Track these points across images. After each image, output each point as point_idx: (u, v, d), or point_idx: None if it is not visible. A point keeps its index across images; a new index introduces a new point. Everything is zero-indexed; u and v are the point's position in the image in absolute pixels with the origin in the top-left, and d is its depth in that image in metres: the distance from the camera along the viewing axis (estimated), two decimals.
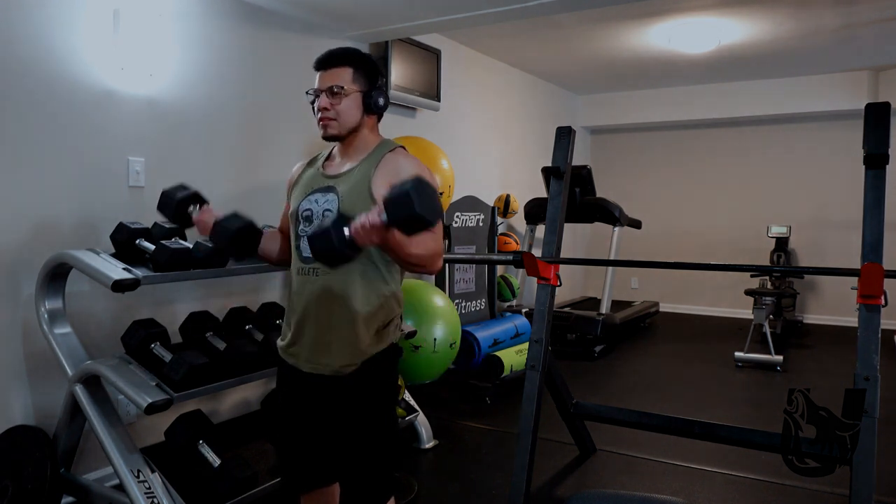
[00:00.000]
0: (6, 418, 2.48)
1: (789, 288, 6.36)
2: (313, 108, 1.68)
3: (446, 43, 4.97)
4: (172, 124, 3.02)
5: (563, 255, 2.93)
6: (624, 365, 5.19)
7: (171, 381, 2.22)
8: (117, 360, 2.33)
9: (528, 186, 6.25)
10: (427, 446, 3.35)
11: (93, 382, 2.31)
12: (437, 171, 3.83)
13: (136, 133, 2.87)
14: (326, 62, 1.66)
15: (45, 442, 2.38)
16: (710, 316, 7.34)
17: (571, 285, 7.37)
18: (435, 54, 4.66)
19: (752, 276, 6.23)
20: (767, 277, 6.21)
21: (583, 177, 5.62)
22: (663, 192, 7.65)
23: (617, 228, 5.87)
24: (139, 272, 2.24)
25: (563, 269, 2.98)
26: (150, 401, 2.10)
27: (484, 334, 4.42)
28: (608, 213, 5.79)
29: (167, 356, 2.35)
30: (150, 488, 2.13)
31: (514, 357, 4.34)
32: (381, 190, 1.59)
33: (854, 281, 2.18)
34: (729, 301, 7.23)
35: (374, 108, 1.68)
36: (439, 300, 3.73)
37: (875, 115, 2.30)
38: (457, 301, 4.70)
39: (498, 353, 4.31)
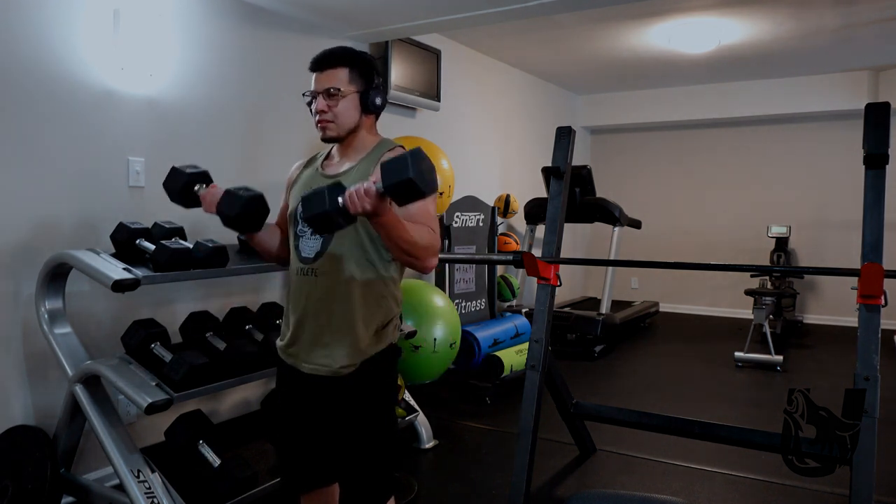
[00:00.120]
0: (6, 418, 2.48)
1: (789, 288, 6.37)
2: (310, 109, 1.67)
3: (446, 43, 4.97)
4: (172, 124, 3.02)
5: (563, 255, 2.93)
6: (624, 365, 5.19)
7: (171, 381, 2.22)
8: (117, 360, 2.33)
9: (528, 186, 6.25)
10: (427, 446, 3.35)
11: (93, 382, 2.31)
12: (437, 171, 3.83)
13: (136, 133, 2.87)
14: (322, 63, 1.65)
15: (45, 442, 2.38)
16: (710, 316, 7.34)
17: (571, 285, 7.37)
18: (435, 54, 4.66)
19: (752, 276, 6.23)
20: (767, 277, 6.21)
21: (583, 177, 5.62)
22: (663, 192, 7.65)
23: (617, 228, 5.87)
24: (139, 272, 2.24)
25: (563, 269, 2.98)
26: (150, 401, 2.10)
27: (484, 334, 4.43)
28: (608, 213, 5.79)
29: (167, 356, 2.35)
30: (150, 488, 2.13)
31: (514, 357, 4.34)
32: None
33: (854, 281, 2.18)
34: (729, 301, 7.23)
35: (371, 107, 1.67)
36: (439, 300, 3.73)
37: (875, 115, 2.30)
38: (457, 301, 4.71)
39: (498, 353, 4.31)
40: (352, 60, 1.65)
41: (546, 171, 5.51)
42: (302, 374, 1.68)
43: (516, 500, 2.49)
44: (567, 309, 5.93)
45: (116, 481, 2.30)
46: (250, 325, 2.82)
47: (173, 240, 2.44)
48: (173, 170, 1.72)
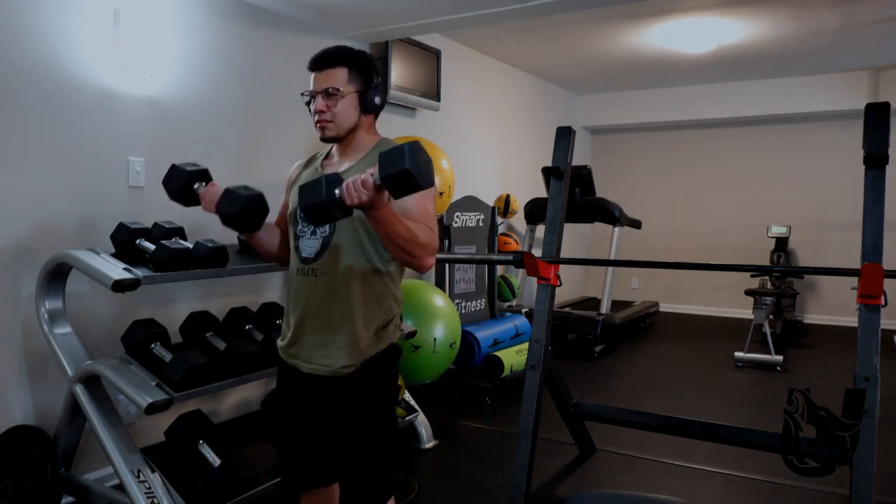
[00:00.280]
0: (6, 418, 2.48)
1: (789, 288, 6.37)
2: (309, 109, 1.67)
3: (446, 43, 4.97)
4: (172, 124, 3.02)
5: (563, 255, 2.93)
6: (624, 365, 5.19)
7: (171, 381, 2.22)
8: (117, 360, 2.33)
9: (528, 186, 6.25)
10: (427, 446, 3.35)
11: (93, 382, 2.31)
12: (437, 171, 3.82)
13: (136, 133, 2.87)
14: (321, 63, 1.64)
15: (45, 442, 2.38)
16: (710, 316, 7.34)
17: (571, 285, 7.37)
18: (435, 54, 4.66)
19: (752, 276, 6.23)
20: (767, 277, 6.21)
21: (583, 177, 5.62)
22: (663, 192, 7.65)
23: (617, 228, 5.87)
24: (139, 272, 2.24)
25: (563, 269, 2.98)
26: (150, 401, 2.10)
27: (484, 334, 4.43)
28: (608, 213, 5.79)
29: (167, 356, 2.35)
30: (150, 488, 2.13)
31: (514, 357, 4.34)
32: None
33: (854, 281, 2.18)
34: (729, 301, 7.23)
35: (370, 107, 1.67)
36: (439, 300, 3.73)
37: (875, 115, 2.30)
38: (457, 301, 4.71)
39: (498, 353, 4.31)
40: (351, 60, 1.64)
41: (546, 171, 5.51)
42: (302, 373, 1.68)
43: (516, 499, 2.49)
44: (567, 309, 5.93)
45: (116, 481, 2.30)
46: (250, 325, 2.82)
47: (173, 240, 2.44)
48: (173, 167, 1.72)
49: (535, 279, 2.77)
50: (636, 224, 6.36)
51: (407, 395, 3.36)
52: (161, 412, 2.14)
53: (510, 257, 2.82)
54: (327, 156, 1.77)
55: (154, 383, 2.20)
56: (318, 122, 1.64)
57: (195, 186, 1.69)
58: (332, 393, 1.65)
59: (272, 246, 1.81)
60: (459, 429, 3.67)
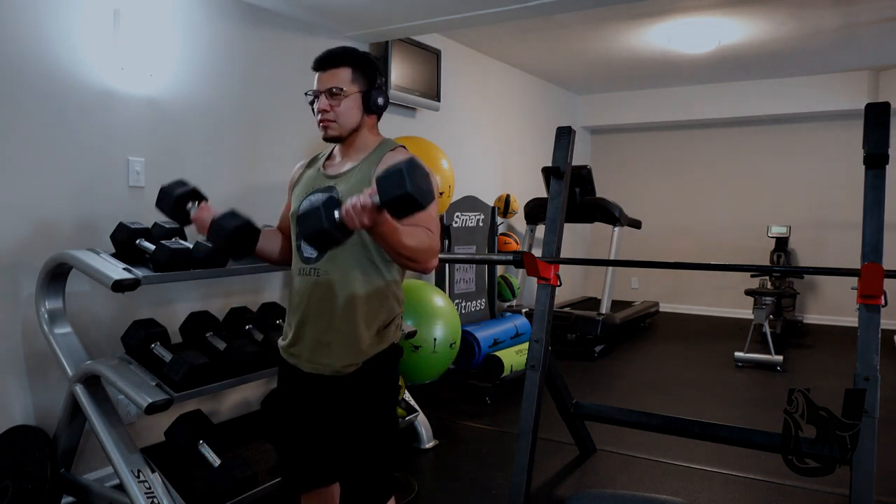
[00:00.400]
0: (6, 418, 2.48)
1: (789, 288, 6.37)
2: (313, 109, 1.68)
3: (446, 43, 4.98)
4: (172, 124, 3.02)
5: (563, 255, 2.93)
6: (624, 365, 5.19)
7: (171, 381, 2.22)
8: (117, 360, 2.33)
9: (528, 186, 6.25)
10: (427, 446, 3.35)
11: (93, 382, 2.31)
12: (437, 171, 3.83)
13: (136, 133, 2.87)
14: (325, 63, 1.65)
15: (45, 442, 2.38)
16: (710, 316, 7.34)
17: (571, 285, 7.37)
18: (435, 54, 4.66)
19: (752, 276, 6.23)
20: (767, 277, 6.21)
21: (583, 177, 5.62)
22: (663, 192, 7.65)
23: (617, 228, 5.87)
24: (139, 272, 2.24)
25: (563, 269, 2.98)
26: (150, 401, 2.10)
27: (484, 334, 4.43)
28: (608, 213, 5.79)
29: (167, 356, 2.35)
30: (150, 488, 2.13)
31: (514, 357, 4.34)
32: None
33: (854, 281, 2.18)
34: (729, 301, 7.23)
35: (373, 107, 1.67)
36: (439, 300, 3.73)
37: (875, 115, 2.30)
38: (457, 301, 4.71)
39: (498, 353, 4.31)
40: (355, 60, 1.65)
41: (546, 171, 5.51)
42: (303, 373, 1.68)
43: (516, 499, 2.49)
44: (567, 309, 5.93)
45: (116, 481, 2.30)
46: (250, 325, 2.82)
47: (173, 240, 2.44)
48: (161, 190, 1.71)
49: (535, 279, 2.77)
50: (636, 224, 6.36)
51: (407, 395, 3.36)
52: (161, 412, 2.14)
53: (510, 257, 2.82)
54: (329, 156, 1.77)
55: (154, 383, 2.20)
56: (321, 121, 1.65)
57: (187, 207, 1.69)
58: (332, 392, 1.65)
59: (273, 251, 1.82)
60: (459, 429, 3.67)
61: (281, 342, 1.76)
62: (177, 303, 3.03)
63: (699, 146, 7.47)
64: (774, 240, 6.65)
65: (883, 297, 2.13)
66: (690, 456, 3.20)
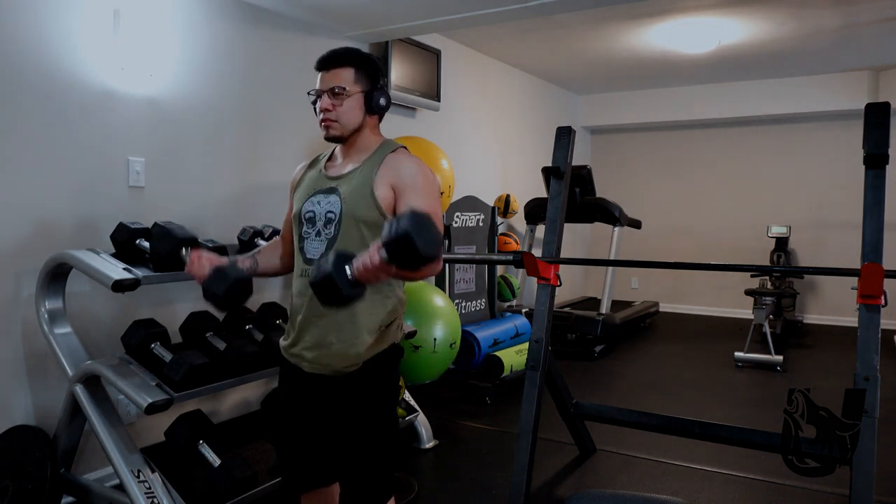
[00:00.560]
0: (6, 418, 2.48)
1: (789, 288, 6.37)
2: (315, 108, 1.68)
3: (446, 43, 4.98)
4: (172, 124, 3.02)
5: (563, 255, 2.93)
6: (624, 365, 5.19)
7: (171, 381, 2.22)
8: (117, 360, 2.33)
9: (528, 186, 6.25)
10: (427, 446, 3.35)
11: (93, 382, 2.31)
12: (437, 171, 3.83)
13: (136, 133, 2.87)
14: (328, 62, 1.65)
15: (45, 442, 2.38)
16: (710, 316, 7.34)
17: (571, 285, 7.37)
18: (435, 54, 4.66)
19: (752, 276, 6.23)
20: (767, 277, 6.21)
21: (583, 177, 5.62)
22: (663, 192, 7.65)
23: (617, 228, 5.87)
24: (139, 272, 2.24)
25: (563, 269, 2.98)
26: (150, 401, 2.10)
27: (484, 334, 4.43)
28: (608, 213, 5.79)
29: (167, 356, 2.35)
30: (150, 488, 2.13)
31: (514, 357, 4.34)
32: (382, 190, 1.59)
33: (854, 281, 2.18)
34: (729, 301, 7.23)
35: (375, 108, 1.67)
36: (439, 300, 3.73)
37: (875, 115, 2.30)
38: (457, 301, 4.71)
39: (498, 353, 4.31)
40: (358, 61, 1.66)
41: (546, 171, 5.51)
42: (304, 373, 1.68)
43: (516, 500, 2.49)
44: (567, 309, 5.93)
45: (116, 481, 2.30)
46: (250, 325, 2.82)
47: None
48: (158, 227, 1.70)
49: (535, 279, 2.77)
50: (636, 224, 6.36)
51: (407, 395, 3.36)
52: (161, 412, 2.14)
53: (510, 257, 2.82)
54: (330, 157, 1.76)
55: (154, 383, 2.20)
56: (323, 120, 1.65)
57: (182, 253, 1.69)
58: (333, 392, 1.65)
59: (274, 267, 1.84)
60: (459, 429, 3.67)
61: (282, 342, 1.76)
62: (177, 303, 3.03)
63: (699, 146, 7.47)
64: (774, 240, 6.65)
65: (883, 297, 2.13)
66: (690, 456, 3.20)
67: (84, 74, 2.66)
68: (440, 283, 4.59)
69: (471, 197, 4.90)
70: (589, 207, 5.78)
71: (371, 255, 1.31)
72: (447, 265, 4.64)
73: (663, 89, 7.04)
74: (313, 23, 3.74)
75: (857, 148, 2.51)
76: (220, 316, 2.79)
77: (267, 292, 3.47)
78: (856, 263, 2.23)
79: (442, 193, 4.02)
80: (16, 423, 2.49)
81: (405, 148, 1.71)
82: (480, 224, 4.97)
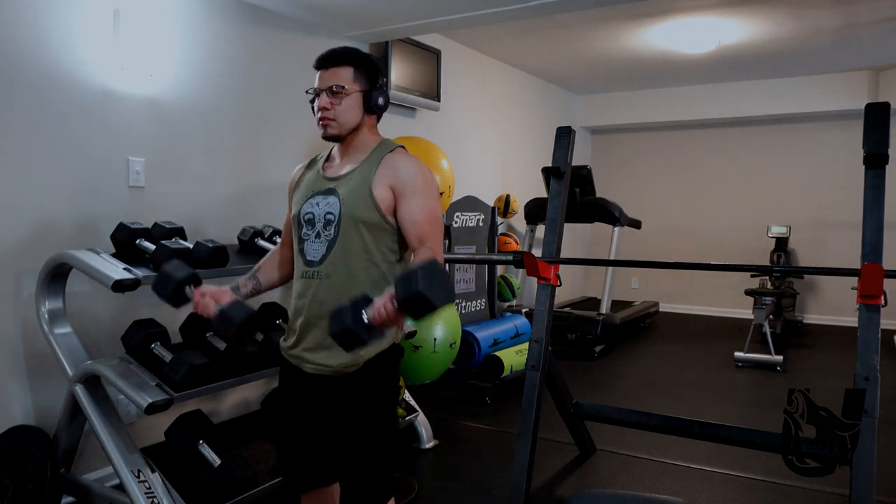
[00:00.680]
0: (6, 418, 2.48)
1: (789, 288, 6.37)
2: (313, 107, 1.67)
3: (446, 43, 4.98)
4: (172, 124, 3.02)
5: (563, 255, 2.93)
6: (624, 365, 5.19)
7: (171, 381, 2.22)
8: (117, 360, 2.33)
9: (528, 186, 6.25)
10: (427, 446, 3.35)
11: (93, 382, 2.31)
12: (437, 171, 3.83)
13: (136, 133, 2.87)
14: (327, 61, 1.65)
15: (45, 442, 2.38)
16: (710, 316, 7.34)
17: (571, 285, 7.37)
18: (435, 54, 4.66)
19: (752, 276, 6.23)
20: (767, 277, 6.21)
21: (583, 177, 5.62)
22: (663, 192, 7.65)
23: (617, 228, 5.87)
24: (139, 272, 2.24)
25: (563, 269, 2.98)
26: (150, 401, 2.10)
27: (484, 334, 4.43)
28: (608, 213, 5.79)
29: (167, 356, 2.35)
30: (150, 488, 2.13)
31: (514, 357, 4.34)
32: (381, 191, 1.59)
33: (854, 281, 2.18)
34: (729, 301, 7.23)
35: (374, 107, 1.67)
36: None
37: (875, 115, 2.30)
38: (457, 301, 4.71)
39: (498, 353, 4.31)
40: (357, 60, 1.65)
41: (546, 171, 5.51)
42: (305, 374, 1.68)
43: (516, 499, 2.49)
44: (567, 309, 5.93)
45: (116, 481, 2.30)
46: None
47: (173, 240, 2.44)
48: (159, 275, 1.73)
49: (535, 279, 2.77)
50: (636, 224, 6.36)
51: (407, 395, 3.36)
52: (161, 412, 2.14)
53: (510, 257, 2.82)
54: (328, 158, 1.76)
55: (154, 383, 2.20)
56: (320, 119, 1.65)
57: (185, 291, 1.70)
58: (333, 393, 1.65)
59: (273, 281, 1.85)
60: (459, 429, 3.67)
61: (282, 342, 1.76)
62: None
63: (699, 146, 7.47)
64: (774, 240, 6.65)
65: (883, 297, 2.13)
66: (690, 456, 3.20)
67: (84, 74, 2.66)
68: None
69: (471, 197, 4.90)
70: (589, 207, 5.78)
71: (385, 304, 1.33)
72: (447, 265, 4.64)
73: (663, 89, 7.04)
74: (313, 23, 3.74)
75: (857, 148, 2.51)
76: None
77: (267, 292, 3.46)
78: (856, 263, 2.23)
79: (442, 193, 4.03)
80: (16, 423, 2.49)
81: (403, 147, 1.71)
82: (480, 224, 4.97)
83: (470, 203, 4.87)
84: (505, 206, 5.57)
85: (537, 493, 2.84)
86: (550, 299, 2.73)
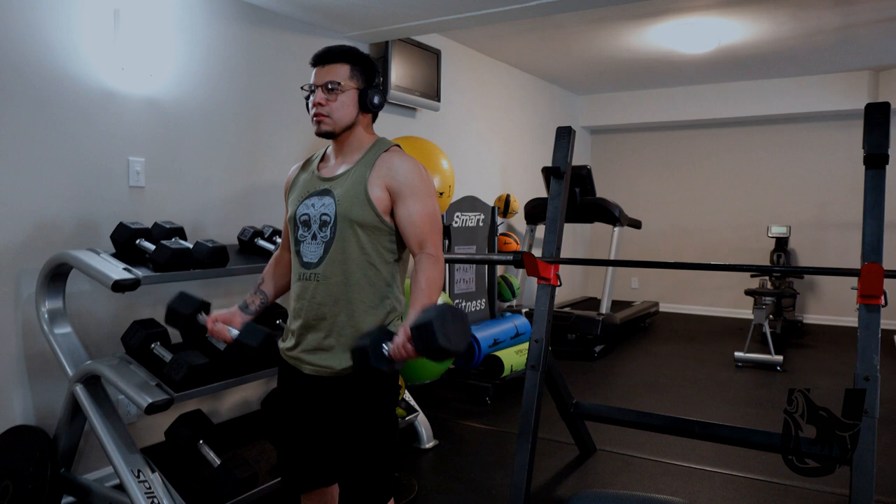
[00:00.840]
0: (6, 418, 2.48)
1: (789, 288, 6.36)
2: (307, 103, 1.67)
3: (446, 43, 4.98)
4: (172, 124, 3.02)
5: (563, 255, 2.94)
6: (624, 365, 5.19)
7: (171, 381, 2.22)
8: (118, 360, 2.33)
9: (528, 186, 6.25)
10: (427, 446, 3.35)
11: (93, 382, 2.31)
12: (437, 171, 3.83)
13: (136, 133, 2.87)
14: (324, 58, 1.65)
15: (45, 442, 2.38)
16: (710, 316, 7.35)
17: (571, 285, 7.37)
18: (435, 54, 4.66)
19: (752, 276, 6.23)
20: (767, 277, 6.21)
21: (583, 177, 5.62)
22: (663, 192, 7.65)
23: (617, 228, 5.87)
24: (139, 272, 2.24)
25: (563, 269, 2.98)
26: (150, 401, 2.10)
27: (484, 334, 4.42)
28: (608, 213, 5.79)
29: (167, 356, 2.35)
30: (150, 488, 2.13)
31: (514, 357, 4.34)
32: (377, 192, 1.59)
33: (854, 281, 2.18)
34: (729, 301, 7.23)
35: (369, 106, 1.67)
36: (439, 300, 3.73)
37: (875, 115, 2.30)
38: (457, 301, 4.71)
39: (498, 353, 4.31)
40: (353, 58, 1.65)
41: (546, 171, 5.51)
42: (304, 375, 1.68)
43: (516, 499, 2.49)
44: (567, 309, 5.93)
45: (116, 481, 2.30)
46: None
47: (173, 240, 2.44)
48: (169, 309, 1.78)
49: (535, 279, 2.77)
50: (636, 224, 6.36)
51: (407, 395, 3.36)
52: (161, 412, 2.14)
53: (510, 257, 2.82)
54: (323, 157, 1.75)
55: (154, 383, 2.20)
56: (315, 115, 1.64)
57: (198, 318, 1.76)
58: (332, 393, 1.65)
59: (282, 286, 1.88)
60: (459, 429, 3.67)
61: (281, 344, 1.76)
62: None
63: (699, 146, 7.47)
64: (774, 240, 6.65)
65: (883, 297, 2.13)
66: (690, 456, 3.20)
67: (84, 74, 2.66)
68: None
69: (471, 197, 4.90)
70: (589, 207, 5.78)
71: (405, 345, 1.38)
72: (447, 265, 4.65)
73: (663, 89, 7.04)
74: (313, 23, 3.74)
75: (857, 148, 2.51)
76: None
77: None
78: (856, 263, 2.23)
79: (442, 194, 4.03)
80: (16, 423, 2.49)
81: (399, 147, 1.70)
82: (480, 224, 4.97)
83: (470, 203, 4.87)
84: (505, 206, 5.57)
85: (537, 493, 2.84)
86: (550, 299, 2.73)
